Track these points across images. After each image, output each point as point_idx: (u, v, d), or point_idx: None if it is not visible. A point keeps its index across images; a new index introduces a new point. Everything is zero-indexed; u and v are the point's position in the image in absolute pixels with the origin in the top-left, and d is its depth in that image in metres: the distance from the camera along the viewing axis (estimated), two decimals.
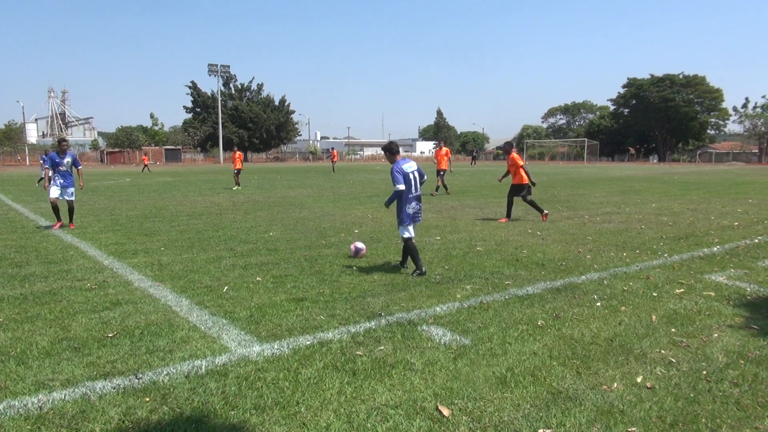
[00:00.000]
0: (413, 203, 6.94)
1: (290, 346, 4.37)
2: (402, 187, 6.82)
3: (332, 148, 49.37)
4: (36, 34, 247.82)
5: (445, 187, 19.50)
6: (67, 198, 11.30)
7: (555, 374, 3.86)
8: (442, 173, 19.26)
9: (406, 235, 6.95)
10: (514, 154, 12.50)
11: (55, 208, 11.21)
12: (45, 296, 5.88)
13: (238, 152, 24.38)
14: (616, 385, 3.69)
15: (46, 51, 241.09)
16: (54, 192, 11.19)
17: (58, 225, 11.21)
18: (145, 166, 46.78)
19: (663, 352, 4.28)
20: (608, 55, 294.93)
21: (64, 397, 3.50)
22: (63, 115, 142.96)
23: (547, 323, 4.96)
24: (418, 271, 6.82)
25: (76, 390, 3.60)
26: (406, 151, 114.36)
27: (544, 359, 4.13)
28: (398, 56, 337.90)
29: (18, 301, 5.71)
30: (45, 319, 5.10)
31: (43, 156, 24.20)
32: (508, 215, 12.32)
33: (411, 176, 6.94)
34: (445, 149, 19.53)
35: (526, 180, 12.23)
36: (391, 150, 7.15)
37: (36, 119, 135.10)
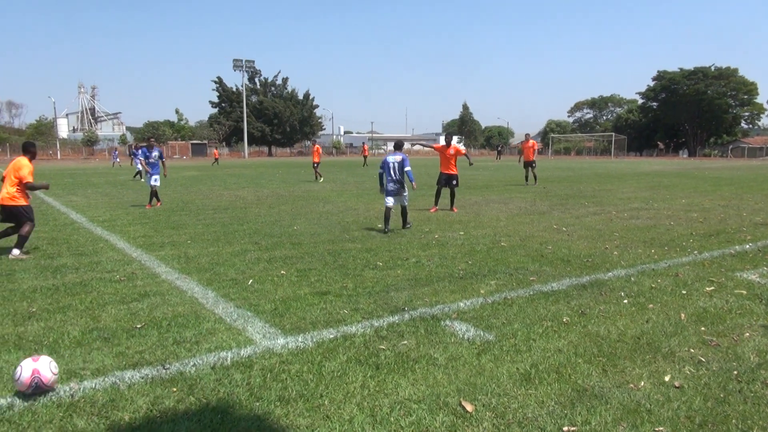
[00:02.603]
0: (390, 184, 9.89)
1: (314, 340, 4.40)
2: (380, 170, 10.09)
3: (363, 143, 50.39)
4: (66, 31, 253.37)
5: (534, 177, 21.13)
6: (152, 183, 14.15)
7: (580, 371, 3.82)
8: (531, 165, 21.06)
9: (387, 205, 9.83)
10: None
11: (153, 192, 14.22)
12: (76, 287, 6.02)
13: (316, 146, 25.70)
14: (643, 383, 3.63)
15: (75, 47, 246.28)
16: (153, 180, 14.19)
17: (149, 206, 13.85)
18: (216, 159, 49.96)
19: (692, 351, 4.20)
20: (637, 48, 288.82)
21: (95, 385, 3.59)
22: (93, 110, 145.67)
23: (572, 320, 4.91)
24: (385, 228, 9.67)
25: (106, 379, 3.69)
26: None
27: (569, 356, 4.08)
28: (421, 50, 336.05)
29: (50, 291, 5.85)
30: (76, 309, 5.22)
31: (135, 150, 28.44)
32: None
33: (391, 165, 9.87)
34: (531, 141, 21.19)
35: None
36: (395, 145, 10.45)
37: (67, 114, 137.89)
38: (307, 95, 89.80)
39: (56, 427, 3.07)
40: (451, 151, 12.86)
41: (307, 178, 26.83)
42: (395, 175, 9.81)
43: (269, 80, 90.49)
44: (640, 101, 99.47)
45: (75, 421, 3.14)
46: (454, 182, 12.93)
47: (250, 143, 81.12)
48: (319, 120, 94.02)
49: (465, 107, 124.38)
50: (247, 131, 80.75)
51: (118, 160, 47.47)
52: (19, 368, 3.39)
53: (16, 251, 7.59)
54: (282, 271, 6.74)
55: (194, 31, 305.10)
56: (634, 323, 4.83)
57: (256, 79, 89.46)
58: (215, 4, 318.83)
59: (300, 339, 4.43)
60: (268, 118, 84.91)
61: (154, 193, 14.18)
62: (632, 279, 6.37)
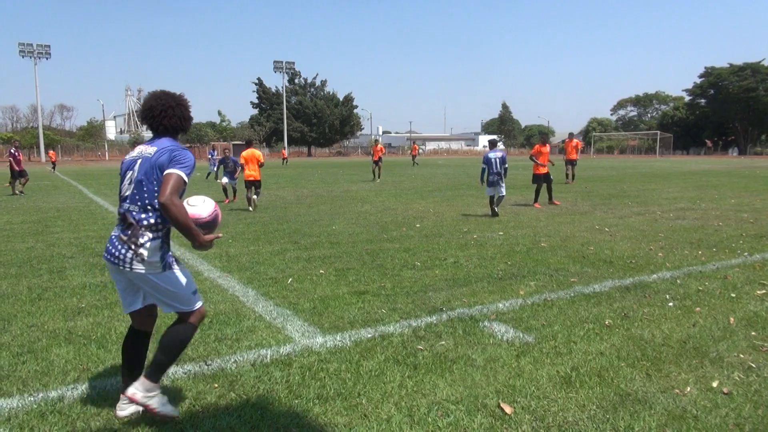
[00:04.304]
0: (492, 177, 11.67)
1: (352, 339, 4.43)
2: (484, 165, 11.85)
3: (413, 143, 50.63)
4: (113, 36, 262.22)
5: (573, 176, 21.71)
6: (232, 182, 15.66)
7: (623, 375, 3.72)
8: (573, 163, 21.69)
9: (489, 194, 11.81)
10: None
11: (225, 190, 15.75)
12: None
13: (379, 145, 26.15)
14: (689, 389, 3.52)
15: (122, 52, 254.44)
16: (224, 179, 15.67)
17: (227, 201, 15.23)
18: (285, 159, 53.05)
19: (741, 356, 4.05)
20: (684, 43, 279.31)
21: None
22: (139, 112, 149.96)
23: (614, 322, 4.79)
24: (492, 212, 11.60)
25: None
26: (468, 146, 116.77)
27: (611, 360, 3.99)
28: (461, 49, 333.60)
29: (98, 288, 6.06)
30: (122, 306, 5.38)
31: (211, 151, 30.55)
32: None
33: (493, 160, 11.69)
34: (576, 141, 21.79)
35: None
36: (491, 143, 12.71)
37: (114, 116, 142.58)
38: (347, 97, 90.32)
39: (104, 420, 3.18)
40: (546, 149, 14.01)
41: (347, 178, 26.99)
42: (496, 169, 11.64)
43: (308, 81, 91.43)
44: (687, 98, 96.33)
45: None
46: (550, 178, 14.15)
47: (289, 143, 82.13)
48: (359, 120, 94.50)
49: (504, 106, 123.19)
50: (287, 132, 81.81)
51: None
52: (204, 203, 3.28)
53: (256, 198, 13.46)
54: (321, 271, 6.80)
55: (236, 34, 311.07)
56: (679, 327, 4.68)
57: (296, 81, 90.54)
58: (257, 7, 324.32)
59: (338, 338, 4.46)
60: (307, 118, 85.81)
61: (233, 190, 15.78)
62: (678, 281, 6.18)
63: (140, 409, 3.10)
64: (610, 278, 6.35)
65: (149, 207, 3.01)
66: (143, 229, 3.00)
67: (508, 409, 3.25)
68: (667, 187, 19.98)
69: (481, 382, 3.63)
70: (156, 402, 3.03)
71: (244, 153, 13.89)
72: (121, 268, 2.99)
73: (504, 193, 11.85)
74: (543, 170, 13.77)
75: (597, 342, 4.34)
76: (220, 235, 3.37)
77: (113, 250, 3.02)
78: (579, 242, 8.61)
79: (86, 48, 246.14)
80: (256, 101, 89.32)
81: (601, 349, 4.18)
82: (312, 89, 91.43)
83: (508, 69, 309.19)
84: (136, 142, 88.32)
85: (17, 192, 18.80)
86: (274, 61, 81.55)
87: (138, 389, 2.99)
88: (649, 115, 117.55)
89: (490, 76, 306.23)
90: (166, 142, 3.09)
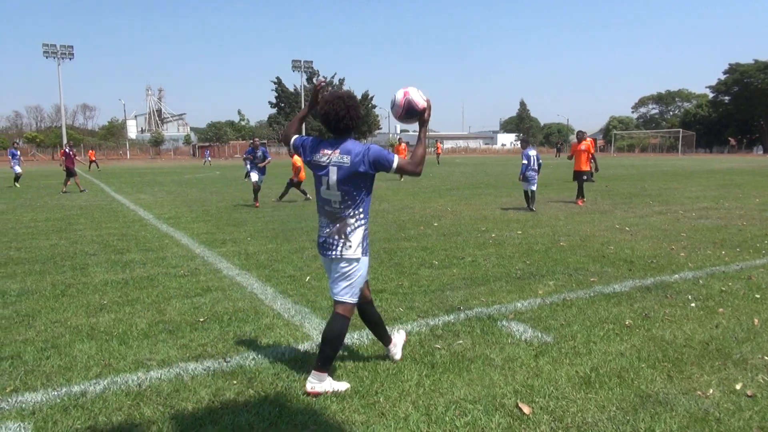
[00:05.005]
0: (530, 172, 12.67)
1: (369, 337, 4.43)
2: (525, 161, 12.78)
3: (437, 141, 50.68)
4: (134, 36, 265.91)
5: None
6: (253, 179, 14.55)
7: (644, 377, 3.68)
8: (584, 176, 21.55)
9: (528, 188, 12.78)
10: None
11: (255, 191, 14.43)
12: (143, 281, 6.30)
13: (403, 144, 27.21)
14: (711, 391, 3.46)
15: (143, 52, 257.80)
16: (254, 176, 14.56)
17: (258, 204, 14.14)
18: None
19: (766, 358, 3.97)
20: (707, 40, 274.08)
21: (161, 376, 3.74)
22: (159, 111, 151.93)
23: (635, 323, 4.74)
24: (530, 206, 12.67)
25: (170, 370, 3.84)
26: (486, 144, 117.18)
27: (631, 360, 3.94)
28: (477, 47, 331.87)
29: (120, 285, 6.15)
30: (143, 302, 5.47)
31: (250, 149, 28.93)
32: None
33: (532, 158, 12.83)
34: (590, 139, 21.71)
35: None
36: (524, 141, 13.94)
37: (135, 116, 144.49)
38: (365, 95, 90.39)
39: (125, 414, 3.22)
40: (581, 147, 14.26)
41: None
42: (533, 165, 12.75)
43: (326, 80, 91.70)
44: (711, 95, 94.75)
45: (142, 409, 3.29)
46: (584, 177, 14.37)
47: None
48: (377, 119, 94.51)
49: (522, 104, 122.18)
50: (305, 131, 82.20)
51: (209, 159, 50.30)
52: (393, 97, 3.59)
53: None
54: None
55: (254, 33, 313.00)
56: (702, 328, 4.61)
57: (314, 80, 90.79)
58: (275, 6, 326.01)
59: (356, 336, 4.47)
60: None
61: (257, 189, 14.70)
62: (700, 282, 6.08)
63: (324, 388, 3.49)
64: (631, 278, 6.27)
65: (355, 205, 3.49)
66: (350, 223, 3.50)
67: (526, 409, 3.23)
68: (689, 185, 19.67)
69: (499, 382, 3.61)
70: (328, 385, 3.48)
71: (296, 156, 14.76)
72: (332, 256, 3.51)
73: (535, 188, 12.90)
74: (582, 167, 14.24)
75: (617, 342, 4.29)
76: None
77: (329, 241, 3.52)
78: (599, 241, 8.52)
79: (108, 48, 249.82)
80: (275, 100, 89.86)
81: (621, 350, 4.13)
82: (330, 88, 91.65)
83: (526, 67, 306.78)
84: (156, 141, 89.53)
85: (78, 190, 19.36)
86: (293, 60, 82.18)
87: (313, 380, 3.46)
88: (671, 112, 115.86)
89: (507, 74, 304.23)
90: (350, 145, 3.46)
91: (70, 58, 71.08)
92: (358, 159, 3.39)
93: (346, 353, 4.11)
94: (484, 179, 24.66)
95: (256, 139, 15.58)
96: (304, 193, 15.48)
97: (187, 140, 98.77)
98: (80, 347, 4.28)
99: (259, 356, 4.08)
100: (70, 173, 19.59)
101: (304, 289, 5.90)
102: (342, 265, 3.48)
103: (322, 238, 3.56)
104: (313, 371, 3.47)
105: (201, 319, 4.91)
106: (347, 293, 3.51)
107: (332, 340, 3.47)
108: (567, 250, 7.91)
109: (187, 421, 3.14)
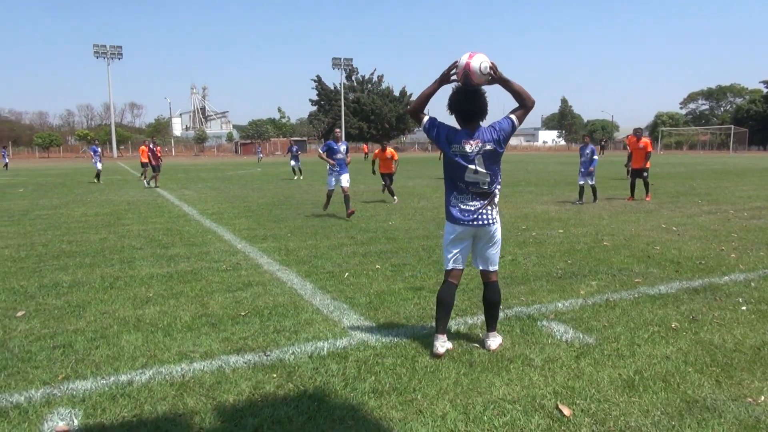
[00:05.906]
0: (582, 168, 13.86)
1: (407, 334, 4.43)
2: (596, 157, 13.72)
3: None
4: (179, 35, 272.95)
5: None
6: (342, 185, 11.23)
7: (690, 381, 3.56)
8: (638, 173, 21.08)
9: (588, 183, 13.76)
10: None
11: (328, 198, 11.65)
12: (187, 275, 6.45)
13: (389, 149, 25.91)
14: (763, 398, 3.33)
15: (188, 51, 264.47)
16: (331, 183, 11.46)
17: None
18: (366, 154, 51.47)
19: None
20: (760, 32, 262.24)
21: (203, 368, 3.83)
22: (203, 109, 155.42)
23: (682, 326, 4.59)
24: (579, 200, 13.82)
25: (213, 362, 3.93)
26: (527, 141, 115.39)
27: (677, 364, 3.82)
28: (518, 43, 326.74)
29: (165, 278, 6.32)
30: (187, 296, 5.61)
31: (291, 147, 25.80)
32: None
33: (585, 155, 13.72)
34: (643, 139, 21.29)
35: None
36: (584, 137, 14.64)
37: (180, 114, 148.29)
38: (404, 92, 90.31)
39: (169, 404, 3.31)
40: (640, 145, 14.41)
41: (404, 173, 27.01)
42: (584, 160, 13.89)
43: (365, 77, 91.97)
44: (765, 90, 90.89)
45: (186, 399, 3.37)
46: (645, 174, 14.43)
47: (347, 140, 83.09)
48: None
49: (564, 101, 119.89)
50: (345, 129, 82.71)
51: (261, 155, 51.43)
52: (460, 58, 3.75)
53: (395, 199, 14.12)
54: (377, 266, 6.84)
55: (295, 32, 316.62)
56: (753, 332, 4.43)
57: (353, 77, 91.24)
58: (315, 4, 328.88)
59: (394, 333, 4.47)
60: (365, 114, 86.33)
61: (346, 197, 11.25)
62: (752, 284, 5.85)
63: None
64: (678, 279, 6.08)
65: (498, 178, 4.03)
66: (496, 197, 4.05)
67: (566, 411, 3.17)
68: (741, 184, 18.93)
69: (538, 383, 3.55)
70: (498, 342, 4.17)
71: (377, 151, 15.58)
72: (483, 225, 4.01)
73: (592, 182, 13.78)
74: (636, 164, 14.46)
75: (662, 345, 4.17)
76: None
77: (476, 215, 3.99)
78: (644, 241, 8.29)
79: (155, 48, 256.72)
80: (316, 98, 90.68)
81: (666, 353, 4.01)
82: (369, 85, 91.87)
83: (571, 62, 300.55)
84: (200, 138, 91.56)
85: (150, 185, 20.06)
86: (333, 58, 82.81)
87: (493, 340, 4.14)
88: (722, 108, 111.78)
89: (550, 69, 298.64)
90: (486, 133, 3.88)
91: (119, 58, 73.47)
92: (496, 142, 3.84)
93: (383, 350, 4.13)
94: (525, 177, 24.31)
95: (338, 130, 12.15)
96: (392, 194, 14.58)
97: (229, 137, 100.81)
98: (127, 338, 4.42)
99: (299, 351, 4.13)
100: (155, 168, 20.29)
101: (342, 286, 5.94)
102: (495, 227, 4.02)
103: (472, 215, 3.96)
104: (489, 334, 4.16)
105: (242, 313, 5.00)
106: (498, 261, 4.20)
107: (498, 303, 4.17)
108: (610, 249, 7.73)
109: (228, 413, 3.20)
